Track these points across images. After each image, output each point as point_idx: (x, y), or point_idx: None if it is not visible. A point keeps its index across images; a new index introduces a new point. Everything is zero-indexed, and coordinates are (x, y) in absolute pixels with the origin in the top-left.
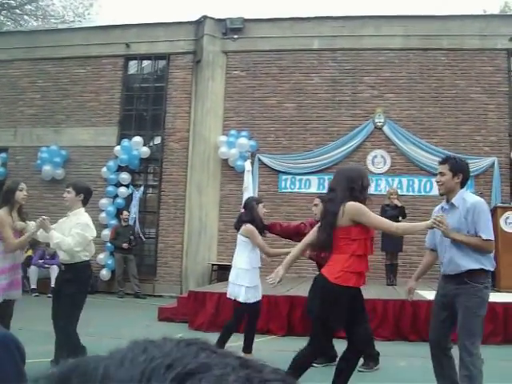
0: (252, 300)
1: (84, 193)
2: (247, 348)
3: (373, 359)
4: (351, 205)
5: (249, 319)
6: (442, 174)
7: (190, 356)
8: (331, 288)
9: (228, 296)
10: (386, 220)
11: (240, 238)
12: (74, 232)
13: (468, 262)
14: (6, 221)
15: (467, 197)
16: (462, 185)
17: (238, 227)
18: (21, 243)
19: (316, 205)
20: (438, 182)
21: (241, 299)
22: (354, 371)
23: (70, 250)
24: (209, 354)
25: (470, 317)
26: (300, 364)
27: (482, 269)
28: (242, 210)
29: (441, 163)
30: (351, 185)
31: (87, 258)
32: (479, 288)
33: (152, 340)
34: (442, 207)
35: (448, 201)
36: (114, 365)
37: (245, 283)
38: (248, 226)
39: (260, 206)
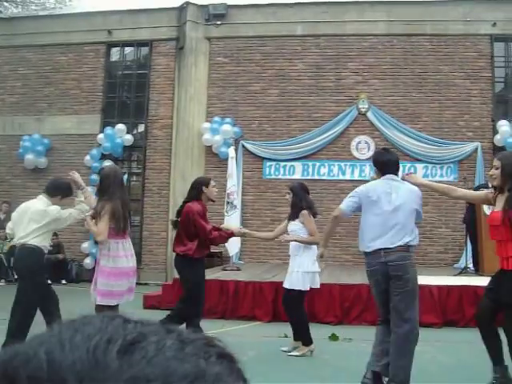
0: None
1: (60, 193)
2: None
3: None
4: None
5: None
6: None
7: (121, 328)
8: None
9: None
10: None
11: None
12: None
13: None
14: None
15: None
16: None
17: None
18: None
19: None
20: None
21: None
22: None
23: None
24: (135, 325)
25: None
26: None
27: None
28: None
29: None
30: None
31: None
32: None
33: (73, 319)
34: None
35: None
36: (55, 349)
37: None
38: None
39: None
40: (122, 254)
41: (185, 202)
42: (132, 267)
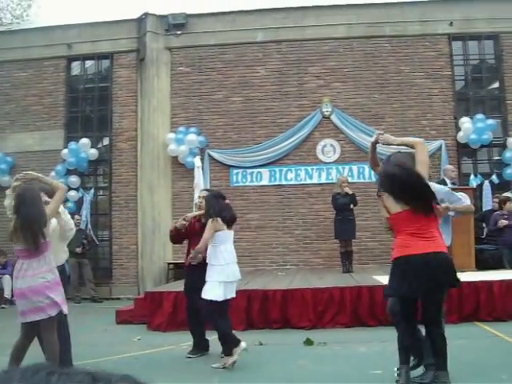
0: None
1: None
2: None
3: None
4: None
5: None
6: None
7: (42, 383)
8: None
9: (231, 296)
10: (422, 155)
11: (230, 231)
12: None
13: None
14: None
15: None
16: None
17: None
18: None
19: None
20: None
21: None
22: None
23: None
24: (58, 377)
25: None
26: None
27: None
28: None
29: None
30: None
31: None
32: None
33: None
34: None
35: None
36: None
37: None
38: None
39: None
40: (15, 275)
41: None
42: (16, 289)
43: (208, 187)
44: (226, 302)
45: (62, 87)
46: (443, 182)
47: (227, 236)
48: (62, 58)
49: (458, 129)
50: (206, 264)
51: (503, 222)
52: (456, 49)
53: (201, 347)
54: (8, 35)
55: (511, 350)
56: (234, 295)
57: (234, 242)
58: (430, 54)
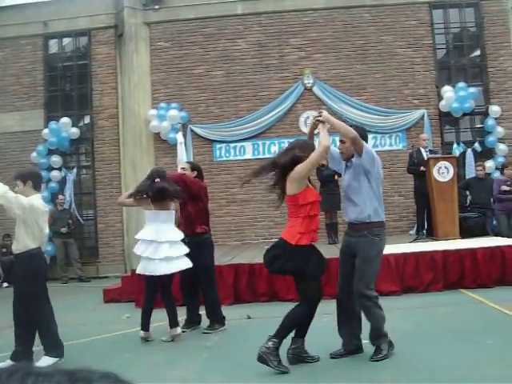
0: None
1: (31, 179)
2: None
3: (219, 323)
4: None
5: (150, 295)
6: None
7: None
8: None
9: (167, 272)
10: (313, 154)
11: (168, 211)
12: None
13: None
14: None
15: None
16: None
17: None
18: None
19: (183, 168)
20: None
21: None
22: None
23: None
24: (35, 379)
25: None
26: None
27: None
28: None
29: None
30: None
31: (34, 246)
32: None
33: None
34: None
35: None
36: None
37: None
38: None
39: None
40: None
41: None
42: None
43: None
44: (152, 277)
45: (40, 66)
46: (418, 152)
47: (156, 215)
48: (38, 36)
49: (440, 98)
50: (194, 237)
51: (504, 188)
52: (437, 17)
53: (193, 321)
54: None
55: (496, 316)
56: (156, 273)
57: (220, 216)
58: (410, 22)
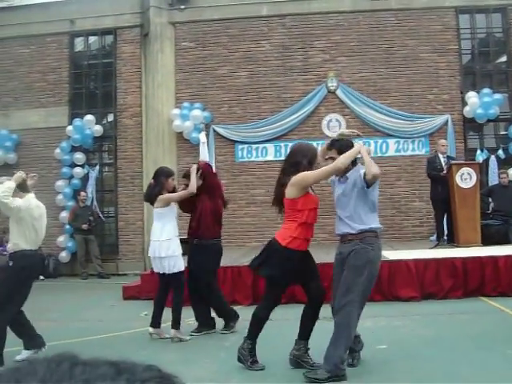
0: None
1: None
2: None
3: (232, 320)
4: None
5: (160, 293)
6: (332, 158)
7: (66, 375)
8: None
9: (160, 271)
10: (325, 166)
11: (156, 210)
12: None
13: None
14: None
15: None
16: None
17: (150, 201)
18: None
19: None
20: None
21: (181, 268)
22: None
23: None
24: (82, 369)
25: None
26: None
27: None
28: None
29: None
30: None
31: (24, 248)
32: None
33: (18, 367)
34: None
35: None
36: None
37: (171, 253)
38: (162, 197)
39: (169, 180)
40: None
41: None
42: None
43: (213, 163)
44: (163, 275)
45: (66, 63)
46: (436, 158)
47: (155, 215)
48: (64, 33)
49: (464, 103)
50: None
51: None
52: (463, 22)
53: (204, 325)
54: (9, 11)
55: None
56: (161, 271)
57: (240, 217)
58: (436, 27)
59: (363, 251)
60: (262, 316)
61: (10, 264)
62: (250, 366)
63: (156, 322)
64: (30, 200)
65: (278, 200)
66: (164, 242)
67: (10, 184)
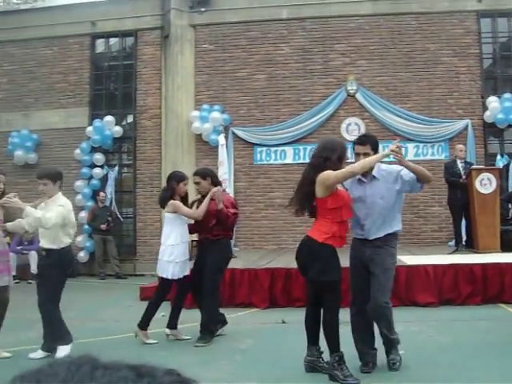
0: (180, 275)
1: (60, 179)
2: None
3: (220, 323)
4: (321, 174)
5: (178, 295)
6: (366, 154)
7: (87, 378)
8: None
9: (158, 274)
10: (343, 169)
11: (166, 215)
12: (55, 209)
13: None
14: None
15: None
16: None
17: (162, 205)
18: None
19: (198, 183)
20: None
21: (168, 275)
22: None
23: (52, 225)
24: (103, 372)
25: None
26: (334, 329)
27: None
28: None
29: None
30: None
31: (68, 242)
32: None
33: (40, 369)
34: (360, 179)
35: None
36: None
37: (172, 259)
38: (172, 202)
39: (181, 184)
40: None
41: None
42: None
43: (232, 165)
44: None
45: (87, 65)
46: (454, 163)
47: (165, 219)
48: (86, 35)
49: (485, 108)
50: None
51: None
52: (484, 26)
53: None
54: (33, 13)
55: None
56: (163, 275)
57: (258, 220)
58: (457, 31)
59: (389, 253)
60: (336, 322)
61: (56, 259)
62: (343, 380)
63: (173, 324)
64: (61, 200)
65: (306, 199)
66: (168, 247)
67: (30, 213)
